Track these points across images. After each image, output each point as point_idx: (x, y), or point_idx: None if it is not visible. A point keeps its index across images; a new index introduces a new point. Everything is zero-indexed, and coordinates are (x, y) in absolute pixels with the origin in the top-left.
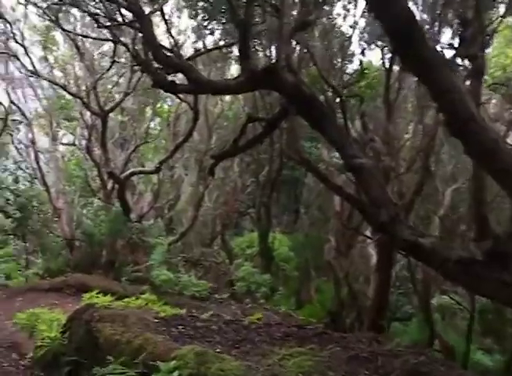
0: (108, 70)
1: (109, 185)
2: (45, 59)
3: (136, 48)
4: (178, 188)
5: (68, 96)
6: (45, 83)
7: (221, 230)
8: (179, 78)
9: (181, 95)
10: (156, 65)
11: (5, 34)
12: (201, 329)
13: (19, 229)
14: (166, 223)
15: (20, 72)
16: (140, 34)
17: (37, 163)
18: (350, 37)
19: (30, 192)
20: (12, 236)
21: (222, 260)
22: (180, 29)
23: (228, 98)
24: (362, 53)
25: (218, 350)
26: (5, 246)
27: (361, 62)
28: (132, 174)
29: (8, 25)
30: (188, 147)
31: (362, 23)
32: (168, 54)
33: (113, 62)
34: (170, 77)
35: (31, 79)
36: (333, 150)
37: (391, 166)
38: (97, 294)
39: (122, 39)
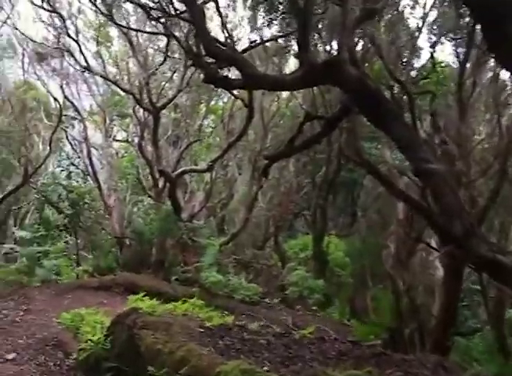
0: (161, 65)
1: (161, 183)
2: (99, 55)
3: (189, 42)
4: (231, 187)
5: (122, 93)
6: (100, 79)
7: (275, 232)
8: (233, 75)
9: (235, 92)
10: (208, 60)
11: (61, 29)
12: (249, 342)
13: (71, 226)
14: (217, 223)
15: (74, 68)
16: (192, 27)
17: (90, 159)
18: (419, 29)
19: (82, 188)
20: (64, 232)
21: (274, 263)
22: (235, 23)
23: (285, 95)
24: (433, 47)
25: (265, 368)
26: (57, 242)
27: (432, 55)
28: (184, 172)
29: (63, 20)
30: (242, 146)
31: (432, 14)
32: (221, 47)
33: (166, 57)
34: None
35: (86, 75)
36: (396, 151)
37: (463, 170)
38: (143, 296)
39: (176, 34)
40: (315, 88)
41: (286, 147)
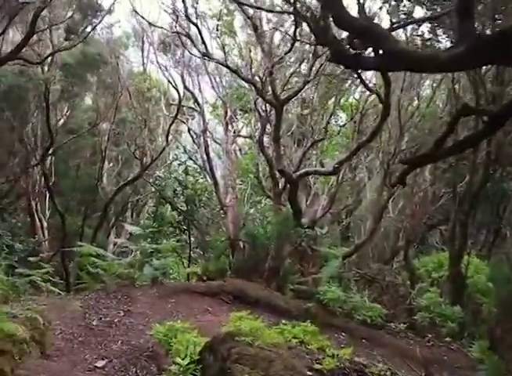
0: (287, 52)
1: (281, 184)
2: (221, 44)
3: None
4: (359, 192)
5: (246, 85)
6: (223, 70)
7: (405, 246)
8: None
9: (370, 85)
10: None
11: (181, 13)
12: None
13: (185, 223)
14: (341, 231)
15: (192, 54)
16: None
17: (207, 154)
18: None
19: (198, 184)
20: (177, 230)
21: (403, 281)
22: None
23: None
24: None
25: None
26: (170, 239)
27: None
28: (307, 173)
29: (185, 7)
30: (373, 147)
31: None
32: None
33: (294, 43)
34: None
35: (209, 66)
36: None
37: None
38: (248, 314)
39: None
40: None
41: (432, 150)
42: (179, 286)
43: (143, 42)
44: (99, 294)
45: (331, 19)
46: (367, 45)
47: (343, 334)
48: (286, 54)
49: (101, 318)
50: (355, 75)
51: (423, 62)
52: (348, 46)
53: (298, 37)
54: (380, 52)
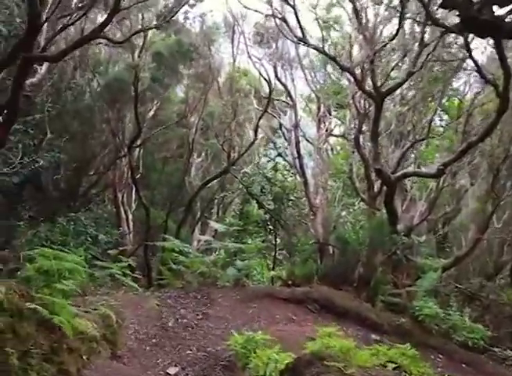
0: (393, 38)
1: (377, 186)
2: (321, 24)
3: None
4: (459, 199)
5: (342, 81)
6: (318, 64)
7: (511, 260)
8: None
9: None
10: None
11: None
12: None
13: (271, 223)
14: (438, 241)
15: (287, 38)
16: None
17: (298, 151)
18: None
19: (287, 182)
20: (262, 229)
21: (508, 300)
22: None
23: None
24: None
25: None
26: (255, 239)
27: None
28: (406, 175)
29: None
30: (478, 150)
31: None
32: None
33: (400, 24)
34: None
35: (303, 60)
36: None
37: None
38: (338, 330)
39: None
40: None
41: None
42: (262, 290)
43: (234, 32)
44: (178, 292)
45: None
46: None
47: (440, 356)
48: (391, 40)
49: (178, 319)
50: (471, 62)
51: None
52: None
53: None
54: None
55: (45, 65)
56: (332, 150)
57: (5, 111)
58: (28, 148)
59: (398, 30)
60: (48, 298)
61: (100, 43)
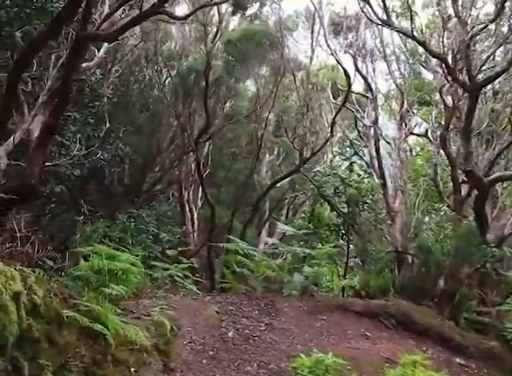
0: (495, 19)
1: (464, 189)
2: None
3: None
4: None
5: (427, 76)
6: (401, 56)
7: None
8: None
9: None
10: None
11: None
12: None
13: (344, 227)
14: None
15: (371, 21)
16: None
17: (377, 150)
18: None
19: (363, 184)
20: (334, 234)
21: None
22: None
23: None
24: None
25: None
26: (325, 244)
27: None
28: (501, 178)
29: None
30: None
31: None
32: None
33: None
34: None
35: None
36: None
37: None
38: (424, 358)
39: None
40: None
41: None
42: (333, 301)
43: (314, 20)
44: (240, 298)
45: None
46: None
47: None
48: (492, 22)
49: (238, 329)
50: None
51: None
52: None
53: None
54: None
55: (103, 48)
56: (410, 150)
57: (57, 96)
58: (92, 140)
59: (498, 14)
60: (92, 303)
61: (160, 20)
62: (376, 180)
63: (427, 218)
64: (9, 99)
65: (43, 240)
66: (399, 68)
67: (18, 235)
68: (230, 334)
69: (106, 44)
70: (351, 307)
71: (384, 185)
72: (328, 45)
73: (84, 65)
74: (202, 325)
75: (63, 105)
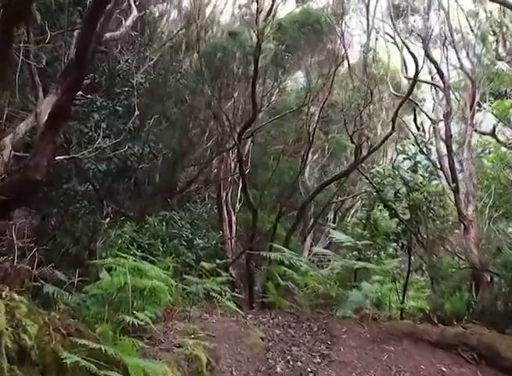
0: None
1: None
2: None
3: None
4: None
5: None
6: (472, 41)
7: None
8: None
9: None
10: None
11: None
12: None
13: (405, 237)
14: None
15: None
16: None
17: (449, 148)
18: None
19: (430, 187)
20: (393, 244)
21: None
22: None
23: None
24: None
25: None
26: (384, 256)
27: None
28: None
29: None
30: None
31: None
32: None
33: None
34: None
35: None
36: None
37: None
38: None
39: None
40: None
41: None
42: (400, 326)
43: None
44: (287, 319)
45: None
46: None
47: None
48: None
49: (289, 361)
50: None
51: None
52: None
53: None
54: None
55: (131, 17)
56: (482, 151)
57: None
58: (121, 133)
59: None
60: (107, 338)
61: None
62: (445, 183)
63: (509, 229)
64: None
65: (51, 248)
66: (468, 55)
67: (16, 245)
68: (279, 369)
69: (134, 13)
70: (424, 335)
71: (456, 189)
72: (393, 27)
73: (108, 35)
74: (245, 356)
75: (78, 81)
